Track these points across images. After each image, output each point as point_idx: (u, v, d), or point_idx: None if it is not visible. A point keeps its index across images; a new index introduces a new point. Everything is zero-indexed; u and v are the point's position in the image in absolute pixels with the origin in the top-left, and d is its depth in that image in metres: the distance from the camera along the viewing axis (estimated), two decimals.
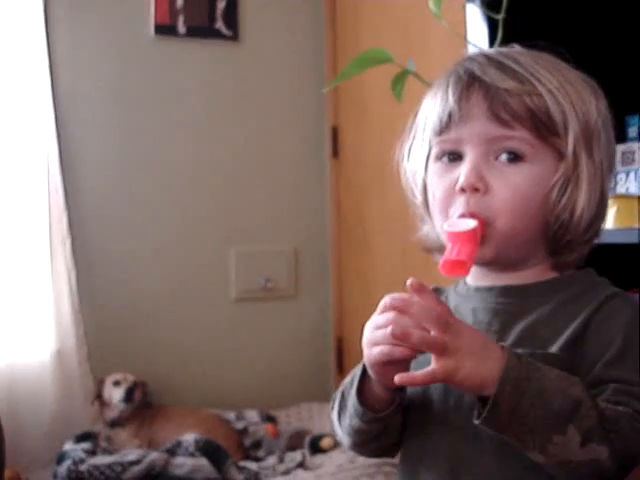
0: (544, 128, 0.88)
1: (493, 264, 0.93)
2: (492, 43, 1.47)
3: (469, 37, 1.54)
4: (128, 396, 2.58)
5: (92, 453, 2.45)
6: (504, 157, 0.89)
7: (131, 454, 2.38)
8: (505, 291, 0.93)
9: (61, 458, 2.41)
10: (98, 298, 2.84)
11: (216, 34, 2.99)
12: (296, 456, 2.40)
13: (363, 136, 2.91)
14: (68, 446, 2.48)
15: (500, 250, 0.90)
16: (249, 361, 3.01)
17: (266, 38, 3.08)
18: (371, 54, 1.36)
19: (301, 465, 2.38)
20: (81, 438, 2.56)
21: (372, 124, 2.82)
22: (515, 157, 0.89)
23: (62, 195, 2.74)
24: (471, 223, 0.87)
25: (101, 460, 2.36)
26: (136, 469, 2.31)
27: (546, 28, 1.59)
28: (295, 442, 2.54)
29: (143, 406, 2.66)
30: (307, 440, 2.50)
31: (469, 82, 0.90)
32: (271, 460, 2.42)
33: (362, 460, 2.31)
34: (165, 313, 2.94)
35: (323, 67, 3.13)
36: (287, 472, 2.32)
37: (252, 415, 2.76)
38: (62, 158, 2.76)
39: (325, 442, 2.46)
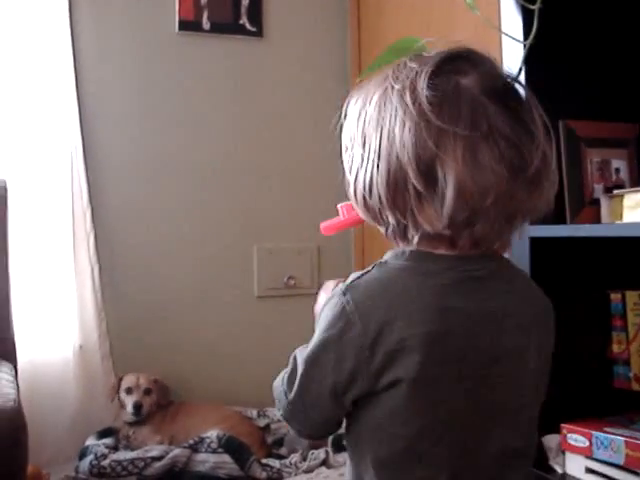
0: None
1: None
2: (527, 34, 1.44)
3: (503, 28, 1.52)
4: (137, 411, 2.58)
5: (114, 449, 2.45)
6: None
7: (154, 450, 2.37)
8: None
9: (83, 453, 2.41)
10: (121, 294, 2.84)
11: (240, 30, 2.98)
12: (319, 454, 2.38)
13: None
14: (90, 441, 2.48)
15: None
16: (271, 358, 2.98)
17: (290, 34, 3.07)
18: (404, 43, 1.34)
19: (324, 463, 2.36)
20: (103, 434, 2.56)
21: None
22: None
23: (86, 191, 2.74)
24: None
25: (123, 455, 2.35)
26: (158, 465, 2.31)
27: (582, 19, 1.58)
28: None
29: (162, 404, 2.65)
30: (330, 438, 2.48)
31: None
32: (294, 458, 2.40)
33: None
34: (187, 310, 2.93)
35: (347, 63, 3.12)
36: (310, 470, 2.31)
37: (274, 412, 2.75)
38: (86, 154, 2.76)
39: None
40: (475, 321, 0.92)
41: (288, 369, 1.00)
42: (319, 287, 3.15)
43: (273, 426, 2.68)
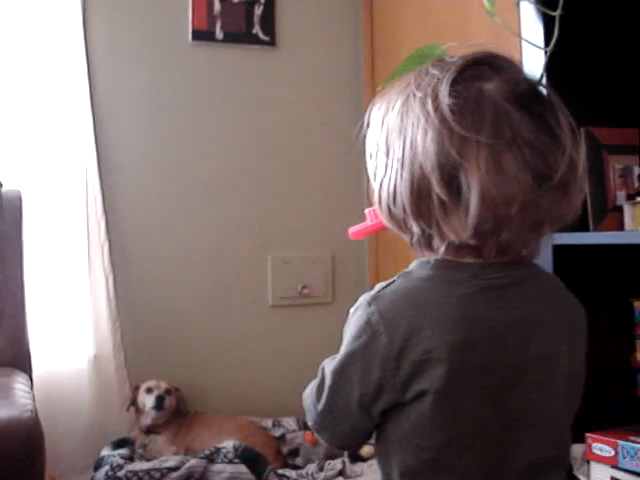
0: None
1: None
2: (548, 41, 1.44)
3: (524, 35, 1.51)
4: (159, 404, 2.58)
5: (129, 459, 2.44)
6: None
7: (170, 460, 2.36)
8: None
9: (99, 464, 2.40)
10: (135, 304, 2.84)
11: (253, 40, 2.98)
12: (336, 464, 2.37)
13: None
14: (105, 452, 2.47)
15: None
16: (285, 368, 2.99)
17: (303, 43, 3.07)
18: (426, 51, 1.33)
19: (341, 473, 2.35)
20: (118, 444, 2.55)
21: None
22: None
23: (100, 201, 2.74)
24: None
25: (139, 466, 2.34)
26: (175, 475, 2.30)
27: (603, 25, 1.57)
28: (334, 450, 2.50)
29: (178, 413, 2.65)
30: None
31: None
32: (310, 468, 2.38)
33: None
34: (202, 319, 2.92)
35: (360, 72, 3.12)
36: None
37: (289, 422, 2.74)
38: (100, 164, 2.76)
39: (365, 450, 2.43)
40: (501, 330, 0.91)
41: (317, 380, 0.99)
42: (333, 296, 3.15)
43: (288, 436, 2.67)
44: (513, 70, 0.93)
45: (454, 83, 0.89)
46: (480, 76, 0.90)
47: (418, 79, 0.94)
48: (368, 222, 1.12)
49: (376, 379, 0.91)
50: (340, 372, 0.94)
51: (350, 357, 0.93)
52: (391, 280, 0.95)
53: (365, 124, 1.01)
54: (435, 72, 0.92)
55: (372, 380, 0.91)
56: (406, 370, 0.89)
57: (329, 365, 0.96)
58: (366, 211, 1.11)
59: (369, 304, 0.92)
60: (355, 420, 0.96)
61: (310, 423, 1.02)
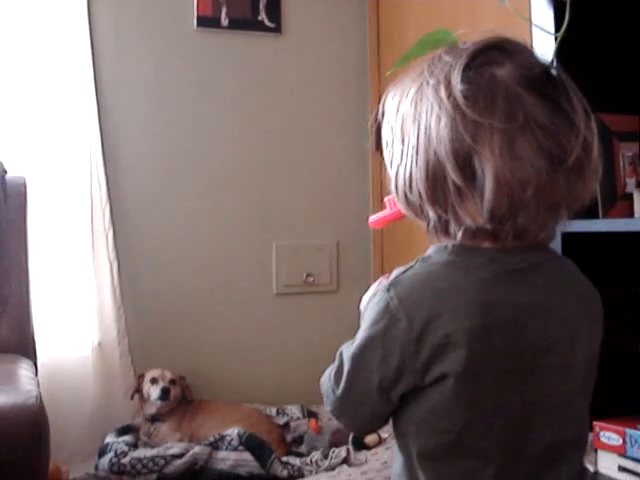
0: None
1: None
2: (558, 27, 1.42)
3: (534, 20, 1.50)
4: (164, 395, 2.58)
5: (134, 446, 2.44)
6: None
7: (174, 447, 2.36)
8: None
9: (103, 451, 2.40)
10: (140, 291, 2.83)
11: (259, 26, 2.97)
12: (340, 452, 2.36)
13: None
14: (110, 439, 2.47)
15: None
16: (289, 356, 2.99)
17: (309, 30, 3.06)
18: (435, 35, 1.31)
19: (345, 461, 2.34)
20: (122, 431, 2.55)
21: None
22: None
23: (105, 188, 2.74)
24: None
25: (144, 453, 2.34)
26: (179, 462, 2.30)
27: (614, 10, 1.55)
28: (338, 438, 2.50)
29: (183, 401, 2.65)
30: (351, 436, 2.46)
31: None
32: (315, 456, 2.38)
33: None
34: (206, 307, 2.92)
35: (367, 59, 3.10)
36: (332, 468, 2.29)
37: (293, 410, 2.74)
38: (105, 151, 2.76)
39: (369, 438, 2.42)
40: (519, 314, 0.92)
41: (334, 365, 1.00)
42: (338, 284, 3.15)
43: (293, 424, 2.67)
44: (525, 54, 0.93)
45: (466, 69, 0.89)
46: (492, 61, 0.90)
47: (431, 66, 0.94)
48: (388, 210, 1.12)
49: (396, 363, 0.91)
50: (359, 357, 0.95)
51: (369, 342, 0.93)
52: (409, 265, 0.95)
53: (380, 113, 1.02)
54: (448, 59, 0.92)
55: (392, 364, 0.92)
56: (426, 354, 0.90)
57: (347, 350, 0.97)
58: (385, 199, 1.11)
59: (388, 289, 0.93)
60: (374, 404, 0.96)
61: (328, 408, 1.02)
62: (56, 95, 2.68)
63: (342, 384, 0.97)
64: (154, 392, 2.59)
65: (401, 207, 0.98)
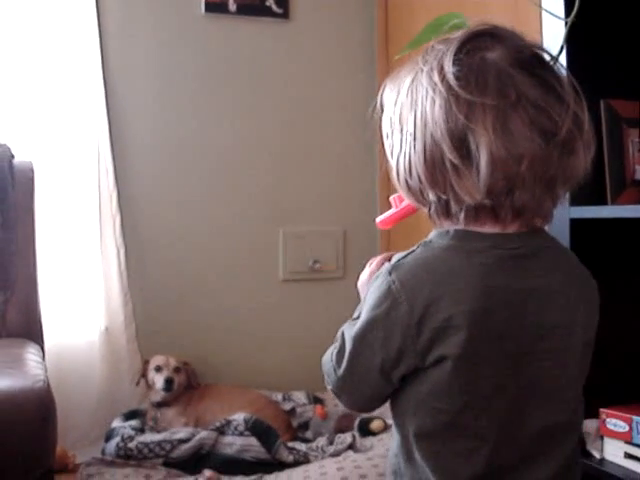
0: None
1: None
2: (568, 12, 1.41)
3: (544, 5, 1.49)
4: (168, 385, 2.58)
5: (140, 430, 2.45)
6: None
7: (180, 432, 2.37)
8: None
9: (109, 435, 2.41)
10: (146, 277, 2.84)
11: (267, 12, 2.96)
12: (346, 438, 2.37)
13: None
14: (116, 423, 2.48)
15: None
16: (295, 342, 2.99)
17: (317, 16, 3.04)
18: (446, 19, 1.31)
19: (351, 447, 2.34)
20: (129, 416, 2.56)
21: None
22: None
23: (112, 174, 2.74)
24: None
25: (150, 438, 2.35)
26: (185, 447, 2.31)
27: None
28: (343, 424, 2.51)
29: (188, 386, 2.65)
30: (356, 422, 2.47)
31: None
32: (321, 441, 2.39)
33: None
34: (213, 293, 2.92)
35: (374, 45, 3.09)
36: (337, 454, 2.29)
37: (299, 396, 2.75)
38: (112, 137, 2.75)
39: (375, 425, 2.43)
40: (519, 299, 0.94)
41: (337, 345, 1.02)
42: (344, 271, 3.15)
43: (298, 410, 2.68)
44: (515, 39, 0.97)
45: (458, 53, 0.93)
46: (482, 46, 0.94)
47: (425, 56, 0.98)
48: (394, 209, 1.15)
49: (397, 345, 0.94)
50: (361, 338, 0.97)
51: (371, 324, 0.96)
52: (411, 250, 0.97)
53: (379, 106, 1.04)
54: (440, 47, 0.97)
55: (393, 346, 0.94)
56: (426, 337, 0.92)
57: (349, 330, 0.99)
58: (391, 199, 1.14)
59: (389, 273, 0.95)
60: (375, 384, 0.99)
61: (330, 387, 1.05)
62: (64, 81, 2.68)
63: (344, 364, 1.00)
64: (158, 381, 2.59)
65: (403, 195, 1.01)
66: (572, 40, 1.42)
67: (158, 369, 2.61)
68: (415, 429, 0.97)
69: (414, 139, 0.94)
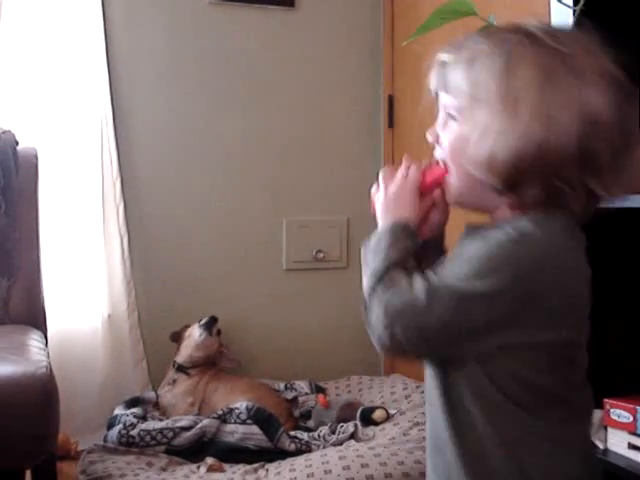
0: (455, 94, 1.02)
1: (461, 207, 1.09)
2: (577, 0, 1.40)
3: None
4: (211, 321, 2.67)
5: (143, 418, 2.45)
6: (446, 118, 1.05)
7: (183, 420, 2.37)
8: (467, 229, 1.07)
9: (112, 423, 2.41)
10: (150, 264, 2.84)
11: (272, 0, 2.94)
12: (348, 427, 2.37)
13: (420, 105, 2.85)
14: (118, 411, 2.48)
15: (454, 191, 1.07)
16: (298, 332, 2.99)
17: (322, 4, 3.03)
18: (453, 5, 1.30)
19: (353, 436, 2.34)
20: (131, 403, 2.56)
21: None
22: (451, 118, 1.04)
23: (116, 161, 2.73)
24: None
25: (152, 425, 2.35)
26: (187, 435, 2.31)
27: None
28: (346, 413, 2.51)
29: (208, 365, 2.68)
30: (359, 412, 2.47)
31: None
32: (323, 430, 2.39)
33: (415, 433, 2.27)
34: (216, 281, 2.92)
35: (380, 34, 3.08)
36: (339, 443, 2.29)
37: (302, 386, 2.75)
38: (116, 124, 2.75)
39: (377, 414, 2.43)
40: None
41: (421, 278, 0.97)
42: (348, 260, 3.11)
43: (301, 399, 2.68)
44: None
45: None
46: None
47: (561, 37, 1.03)
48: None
49: (505, 316, 0.94)
50: (470, 298, 0.93)
51: (487, 287, 0.93)
52: (527, 226, 0.96)
53: (465, 61, 1.01)
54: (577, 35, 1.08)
55: (501, 314, 0.94)
56: (539, 314, 0.94)
57: (458, 283, 0.94)
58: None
59: (518, 242, 0.94)
60: (455, 343, 0.97)
61: (381, 311, 0.97)
62: (68, 67, 2.68)
63: (438, 310, 0.94)
64: (200, 327, 2.65)
65: (486, 176, 0.98)
66: (580, 28, 1.41)
67: (201, 320, 2.68)
68: (513, 402, 0.99)
69: (546, 127, 0.93)
